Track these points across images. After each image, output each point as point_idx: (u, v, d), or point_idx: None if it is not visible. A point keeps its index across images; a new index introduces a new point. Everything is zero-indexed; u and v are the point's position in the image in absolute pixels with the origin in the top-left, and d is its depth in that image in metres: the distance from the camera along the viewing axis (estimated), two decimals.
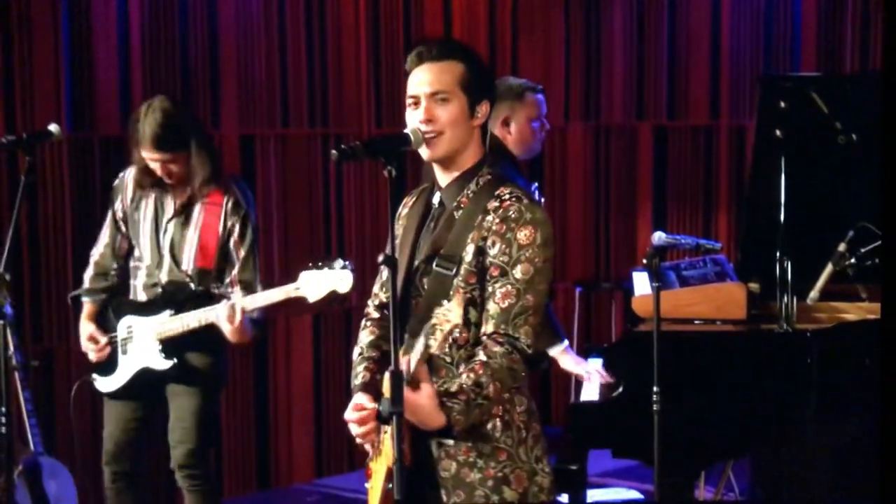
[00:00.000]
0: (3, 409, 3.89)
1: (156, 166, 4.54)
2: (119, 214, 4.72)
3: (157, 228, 4.63)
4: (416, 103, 3.14)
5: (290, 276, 4.40)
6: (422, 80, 3.14)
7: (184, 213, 4.61)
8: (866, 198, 4.39)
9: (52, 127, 4.14)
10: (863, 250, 4.52)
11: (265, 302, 4.45)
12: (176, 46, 6.03)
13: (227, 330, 4.45)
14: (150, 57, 5.95)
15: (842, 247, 4.55)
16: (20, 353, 4.65)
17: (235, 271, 4.60)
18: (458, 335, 3.03)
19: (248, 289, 4.56)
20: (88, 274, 4.80)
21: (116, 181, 4.75)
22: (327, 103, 6.51)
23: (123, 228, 4.72)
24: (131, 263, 4.72)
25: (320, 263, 4.29)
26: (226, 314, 4.41)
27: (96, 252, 4.79)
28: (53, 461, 4.91)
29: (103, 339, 4.68)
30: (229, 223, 4.59)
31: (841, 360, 4.29)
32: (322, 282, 4.28)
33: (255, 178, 6.29)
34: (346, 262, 4.27)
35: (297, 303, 4.44)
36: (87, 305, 4.77)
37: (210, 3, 6.12)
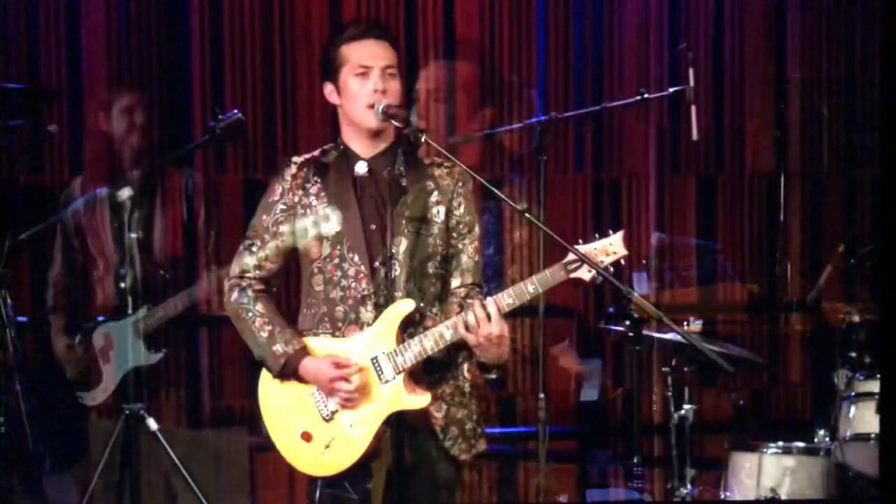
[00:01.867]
0: (3, 410, 3.90)
1: (121, 120, 4.52)
2: (72, 228, 4.67)
3: (118, 228, 4.54)
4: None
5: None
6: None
7: (143, 202, 4.53)
8: None
9: (52, 127, 4.15)
10: (862, 251, 4.54)
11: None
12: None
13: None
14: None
15: (841, 247, 4.56)
16: (20, 353, 4.65)
17: (210, 250, 4.58)
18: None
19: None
20: (49, 293, 4.74)
21: (63, 197, 4.69)
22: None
23: (76, 242, 4.67)
24: (95, 275, 4.66)
25: None
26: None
27: (52, 273, 4.73)
28: (52, 462, 4.90)
29: (80, 348, 4.61)
30: (194, 205, 4.57)
31: (841, 360, 4.30)
32: None
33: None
34: None
35: None
36: (55, 322, 4.72)
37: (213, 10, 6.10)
